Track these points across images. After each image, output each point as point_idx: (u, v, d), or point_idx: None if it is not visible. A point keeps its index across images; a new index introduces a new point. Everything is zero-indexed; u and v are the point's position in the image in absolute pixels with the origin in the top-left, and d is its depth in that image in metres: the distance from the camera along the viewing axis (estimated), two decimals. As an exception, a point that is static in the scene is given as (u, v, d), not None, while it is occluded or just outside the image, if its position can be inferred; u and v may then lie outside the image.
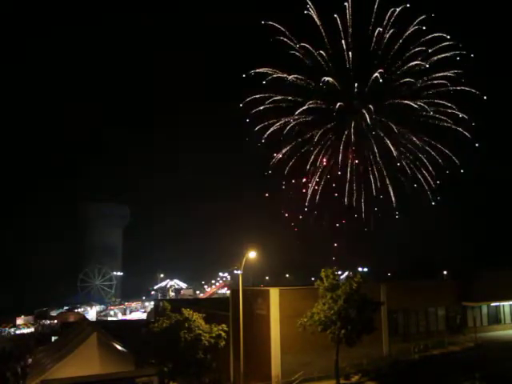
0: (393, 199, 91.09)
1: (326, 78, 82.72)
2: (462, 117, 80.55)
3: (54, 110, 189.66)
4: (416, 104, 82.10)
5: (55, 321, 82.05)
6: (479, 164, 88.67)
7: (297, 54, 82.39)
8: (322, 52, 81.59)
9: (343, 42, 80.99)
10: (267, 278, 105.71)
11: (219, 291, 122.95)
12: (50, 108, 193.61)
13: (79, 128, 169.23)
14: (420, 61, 79.38)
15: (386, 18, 78.78)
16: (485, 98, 76.17)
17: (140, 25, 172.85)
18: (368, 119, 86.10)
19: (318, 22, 79.12)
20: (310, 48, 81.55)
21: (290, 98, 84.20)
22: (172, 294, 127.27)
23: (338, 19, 79.36)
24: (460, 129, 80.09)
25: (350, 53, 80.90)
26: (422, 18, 77.25)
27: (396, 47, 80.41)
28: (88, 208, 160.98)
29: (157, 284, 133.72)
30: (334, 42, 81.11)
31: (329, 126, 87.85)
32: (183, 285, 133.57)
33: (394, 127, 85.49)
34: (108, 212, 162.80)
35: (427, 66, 78.94)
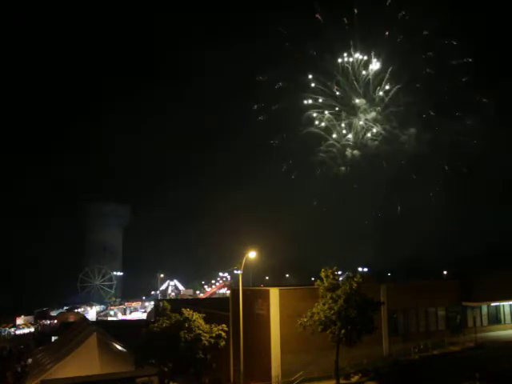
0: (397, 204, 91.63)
1: (335, 87, 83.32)
2: (469, 123, 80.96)
3: (53, 109, 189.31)
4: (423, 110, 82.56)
5: (55, 321, 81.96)
6: (481, 166, 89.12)
7: (301, 60, 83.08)
8: (327, 56, 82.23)
9: (351, 49, 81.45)
10: (267, 277, 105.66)
11: (219, 291, 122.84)
12: (50, 107, 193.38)
13: (79, 128, 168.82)
14: (428, 67, 79.78)
15: (395, 23, 79.38)
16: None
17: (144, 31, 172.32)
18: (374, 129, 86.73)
19: (323, 21, 79.59)
20: (316, 55, 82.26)
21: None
22: (172, 294, 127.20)
23: (346, 21, 79.84)
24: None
25: (358, 55, 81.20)
26: (429, 24, 77.76)
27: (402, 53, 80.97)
28: (88, 208, 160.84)
29: (157, 284, 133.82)
30: (341, 47, 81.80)
31: (334, 135, 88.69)
32: (182, 287, 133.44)
33: (400, 133, 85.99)
34: (108, 212, 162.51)
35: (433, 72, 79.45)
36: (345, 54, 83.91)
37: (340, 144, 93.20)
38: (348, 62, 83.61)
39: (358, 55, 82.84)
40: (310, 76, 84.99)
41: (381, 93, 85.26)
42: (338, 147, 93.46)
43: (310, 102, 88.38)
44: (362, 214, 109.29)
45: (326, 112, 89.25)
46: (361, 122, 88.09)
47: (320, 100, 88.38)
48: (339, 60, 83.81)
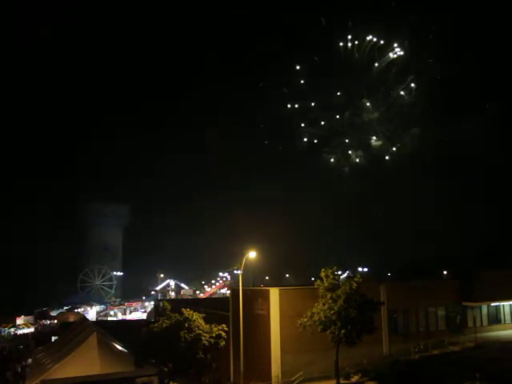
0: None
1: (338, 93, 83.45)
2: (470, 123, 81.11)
3: (54, 109, 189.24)
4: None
5: (55, 321, 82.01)
6: (481, 166, 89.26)
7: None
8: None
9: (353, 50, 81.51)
10: (267, 277, 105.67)
11: (219, 291, 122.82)
12: (50, 107, 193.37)
13: (80, 128, 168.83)
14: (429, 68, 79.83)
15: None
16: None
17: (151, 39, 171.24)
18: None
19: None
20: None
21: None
22: (172, 293, 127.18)
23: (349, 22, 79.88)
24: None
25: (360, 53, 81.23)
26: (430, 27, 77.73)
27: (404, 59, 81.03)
28: (88, 208, 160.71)
29: (157, 284, 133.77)
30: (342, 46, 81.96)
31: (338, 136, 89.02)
32: (183, 285, 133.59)
33: (402, 133, 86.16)
34: (108, 212, 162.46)
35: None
36: (349, 44, 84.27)
37: (344, 144, 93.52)
38: (350, 63, 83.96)
39: (359, 51, 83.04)
40: (298, 67, 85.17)
41: (402, 92, 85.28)
42: (341, 148, 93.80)
43: (312, 104, 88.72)
44: (362, 214, 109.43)
45: (327, 116, 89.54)
46: (373, 139, 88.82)
47: (321, 100, 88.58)
48: (341, 48, 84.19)
